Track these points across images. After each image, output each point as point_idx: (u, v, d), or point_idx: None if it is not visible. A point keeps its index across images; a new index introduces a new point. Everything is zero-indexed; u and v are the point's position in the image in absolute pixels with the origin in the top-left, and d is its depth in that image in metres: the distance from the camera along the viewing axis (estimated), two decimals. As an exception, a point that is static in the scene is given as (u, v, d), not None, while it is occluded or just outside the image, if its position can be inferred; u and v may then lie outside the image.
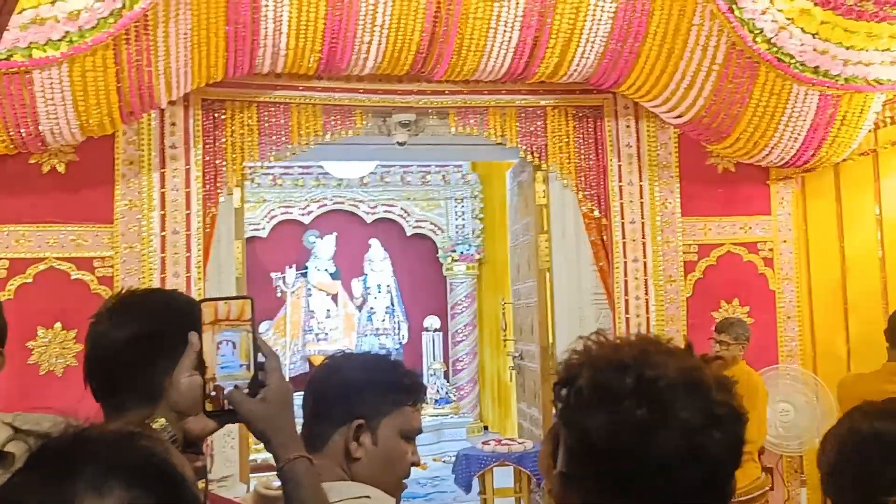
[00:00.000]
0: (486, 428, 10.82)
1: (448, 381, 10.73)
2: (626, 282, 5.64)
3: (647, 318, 5.64)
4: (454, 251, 11.05)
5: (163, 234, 5.05)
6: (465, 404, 10.83)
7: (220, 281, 5.60)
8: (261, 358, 1.28)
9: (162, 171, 5.07)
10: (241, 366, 1.28)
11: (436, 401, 10.15)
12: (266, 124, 5.28)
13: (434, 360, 10.59)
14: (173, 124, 5.09)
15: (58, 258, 4.91)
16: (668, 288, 5.72)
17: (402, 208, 11.09)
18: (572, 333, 6.04)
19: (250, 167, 5.56)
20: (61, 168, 4.92)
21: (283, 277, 10.12)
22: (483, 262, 11.13)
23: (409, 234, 11.10)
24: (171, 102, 5.01)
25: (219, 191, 5.17)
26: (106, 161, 4.99)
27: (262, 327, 10.31)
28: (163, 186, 5.06)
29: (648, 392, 0.92)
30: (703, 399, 0.93)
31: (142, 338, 1.32)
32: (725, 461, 0.92)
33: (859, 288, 5.35)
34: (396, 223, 11.09)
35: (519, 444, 6.37)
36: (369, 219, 10.97)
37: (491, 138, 5.66)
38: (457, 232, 11.16)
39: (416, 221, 11.13)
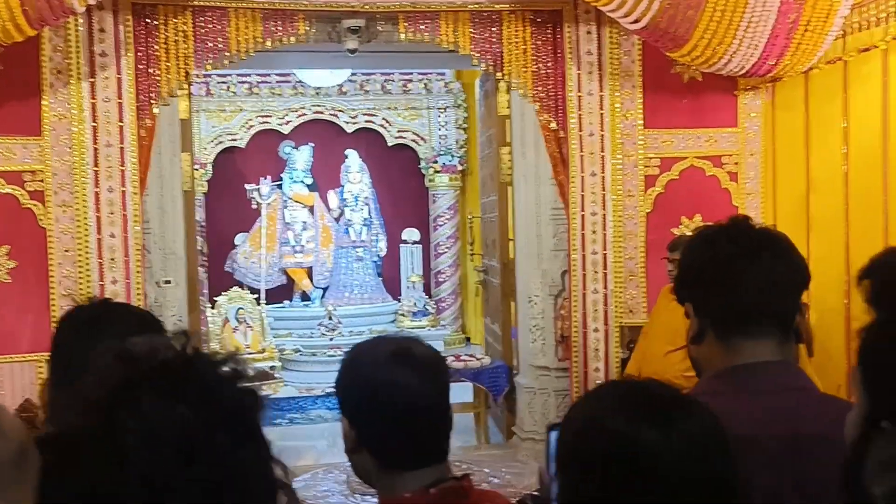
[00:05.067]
0: (468, 340, 10.82)
1: (429, 295, 10.68)
2: (582, 196, 5.44)
3: (604, 235, 5.46)
4: (436, 162, 10.83)
5: (95, 146, 4.87)
6: (447, 316, 10.81)
7: (162, 195, 5.46)
8: None
9: (92, 80, 4.84)
10: None
11: (413, 313, 10.12)
12: (202, 31, 5.02)
13: (412, 272, 10.50)
14: (102, 30, 4.84)
15: (-14, 171, 4.77)
16: (626, 203, 5.52)
17: (383, 118, 10.82)
18: (530, 251, 5.91)
19: (207, 76, 5.34)
20: (-16, 77, 4.71)
21: (259, 189, 9.96)
22: (466, 174, 10.92)
23: (390, 144, 10.87)
24: (99, 7, 4.75)
25: (152, 102, 4.95)
26: (32, 70, 4.77)
27: (238, 240, 10.23)
28: (93, 97, 4.85)
29: None
30: None
31: None
32: None
33: (822, 205, 5.14)
34: (378, 134, 10.84)
35: (477, 360, 6.33)
36: (350, 129, 10.73)
37: (443, 45, 5.38)
38: (439, 142, 10.92)
39: (398, 132, 10.88)
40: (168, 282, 5.41)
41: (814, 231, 5.23)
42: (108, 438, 0.75)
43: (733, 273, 1.38)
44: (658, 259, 4.99)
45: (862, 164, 4.78)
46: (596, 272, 5.48)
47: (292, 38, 5.20)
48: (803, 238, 5.25)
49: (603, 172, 5.45)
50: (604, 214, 5.46)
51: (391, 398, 1.26)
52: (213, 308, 8.84)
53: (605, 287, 5.47)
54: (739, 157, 5.61)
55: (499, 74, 5.48)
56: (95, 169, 4.87)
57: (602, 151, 5.44)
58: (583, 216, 5.46)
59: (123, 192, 4.92)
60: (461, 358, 6.40)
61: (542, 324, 5.88)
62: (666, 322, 4.56)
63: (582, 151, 5.43)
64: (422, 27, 5.32)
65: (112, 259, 4.91)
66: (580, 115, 5.42)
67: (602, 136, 5.44)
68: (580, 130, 5.42)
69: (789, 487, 1.29)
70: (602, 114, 5.42)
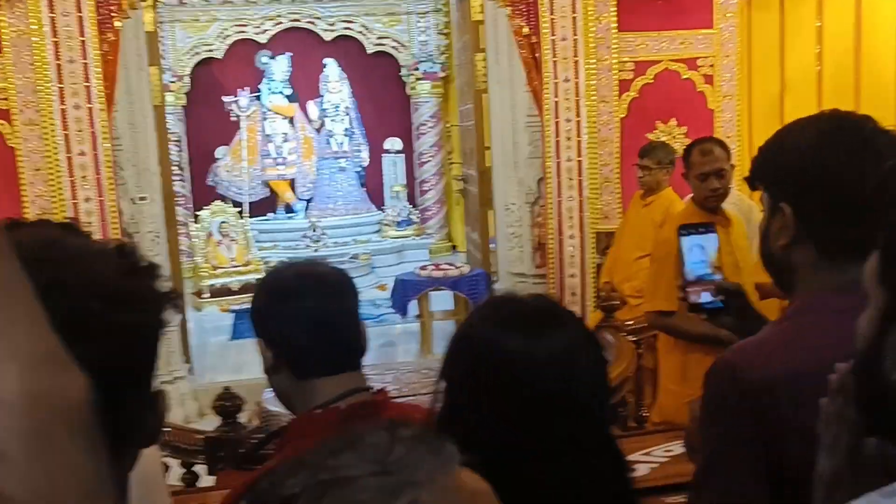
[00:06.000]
0: (454, 248, 10.89)
1: (414, 204, 10.69)
2: (556, 103, 5.39)
3: (579, 142, 5.44)
4: (417, 69, 10.67)
5: (58, 62, 4.77)
6: (432, 225, 10.85)
7: (132, 111, 5.40)
8: None
9: (49, -7, 4.72)
10: None
11: (397, 223, 10.16)
12: (161, -61, 4.86)
13: (396, 182, 10.49)
14: (57, -60, 4.69)
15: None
16: (601, 109, 5.48)
17: (362, 24, 10.59)
18: (506, 159, 5.90)
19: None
20: (-59, -7, 4.59)
21: (237, 101, 9.83)
22: (449, 81, 10.76)
23: (370, 52, 10.67)
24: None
25: (113, 15, 4.84)
26: (-13, -16, 4.64)
27: (219, 153, 10.16)
28: (52, 11, 4.73)
29: None
30: None
31: None
32: None
33: (796, 105, 5.12)
34: (356, 41, 10.63)
35: (456, 268, 6.39)
36: (328, 37, 10.51)
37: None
38: (420, 49, 10.72)
39: (378, 39, 10.66)
40: (143, 198, 5.40)
41: (787, 133, 5.23)
42: None
43: None
44: (632, 165, 5.00)
45: (835, 64, 4.76)
46: (571, 179, 5.48)
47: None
48: (777, 140, 5.25)
49: (577, 78, 5.39)
50: (578, 121, 5.43)
51: (297, 314, 1.32)
52: (196, 222, 8.86)
53: (580, 194, 5.48)
54: (715, 59, 5.54)
55: (468, -23, 5.35)
56: (60, 86, 4.79)
57: (575, 56, 5.37)
58: (557, 123, 5.42)
59: (90, 108, 4.86)
60: (440, 267, 6.47)
61: (519, 231, 5.92)
62: (636, 228, 4.61)
63: (555, 57, 5.35)
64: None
65: (83, 177, 4.89)
66: (552, 19, 5.31)
67: (575, 40, 5.35)
68: (553, 35, 5.33)
69: None
70: (574, 17, 5.32)
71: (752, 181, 1.36)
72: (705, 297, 1.46)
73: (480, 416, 0.97)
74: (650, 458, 2.25)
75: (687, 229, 1.51)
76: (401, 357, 6.79)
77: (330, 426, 1.30)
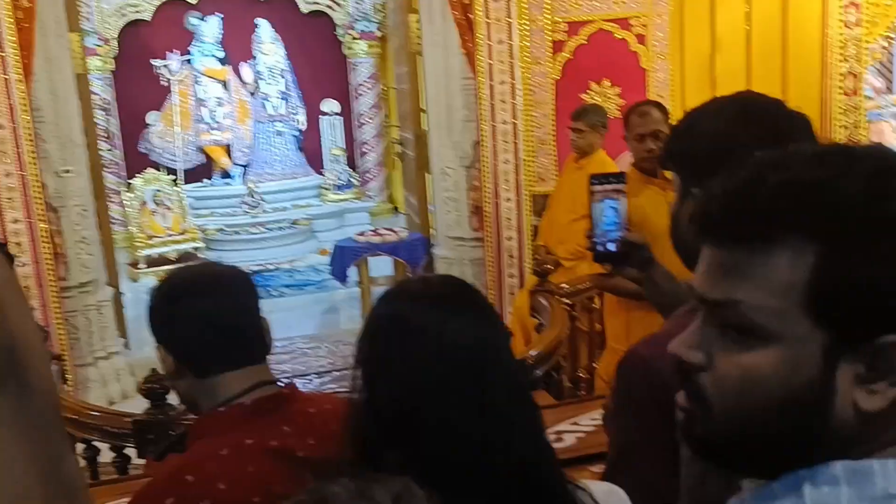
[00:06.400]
0: (396, 210, 10.84)
1: (354, 167, 10.58)
2: (490, 66, 5.35)
3: (513, 104, 5.42)
4: (353, 29, 10.49)
5: (-31, 32, 4.57)
6: (373, 188, 10.77)
7: (52, 80, 5.19)
8: None
9: (-46, -42, 4.49)
10: None
11: (337, 187, 10.06)
12: None
13: (334, 145, 10.35)
14: None
15: None
16: (535, 70, 5.46)
17: (295, -17, 10.34)
18: (441, 122, 5.85)
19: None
20: None
21: (167, 65, 9.55)
22: (385, 40, 10.60)
23: (304, 11, 10.44)
24: None
25: (26, -20, 4.63)
26: None
27: (151, 119, 9.89)
28: (-42, -23, 4.51)
29: None
30: None
31: None
32: None
33: (726, 65, 5.18)
34: (290, 0, 10.38)
35: (394, 233, 6.36)
36: (260, -5, 10.24)
37: None
38: (355, 8, 10.53)
39: (312, -3, 10.43)
40: (68, 171, 5.23)
41: (718, 90, 5.28)
42: None
43: None
44: (567, 127, 5.00)
45: (763, 23, 4.80)
46: (506, 142, 5.47)
47: None
48: (709, 97, 5.30)
49: (510, 40, 5.35)
50: (512, 83, 5.40)
51: (191, 313, 1.31)
52: (129, 191, 8.65)
53: (516, 157, 5.48)
54: (648, 19, 5.54)
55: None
56: (-27, 56, 4.59)
57: (508, 17, 5.32)
58: (491, 86, 5.39)
59: (6, 79, 4.67)
60: (379, 232, 6.44)
61: (455, 195, 5.90)
62: (570, 191, 4.63)
63: (488, 18, 5.30)
64: None
65: (3, 152, 4.72)
66: (485, -21, 5.25)
67: (508, 1, 5.30)
68: (485, -5, 5.27)
69: None
70: (507, -23, 5.27)
71: (664, 163, 1.36)
72: (611, 248, 1.51)
73: (393, 393, 0.99)
74: (577, 428, 2.28)
75: (598, 178, 1.53)
76: (344, 324, 6.77)
77: (235, 423, 1.29)
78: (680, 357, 0.74)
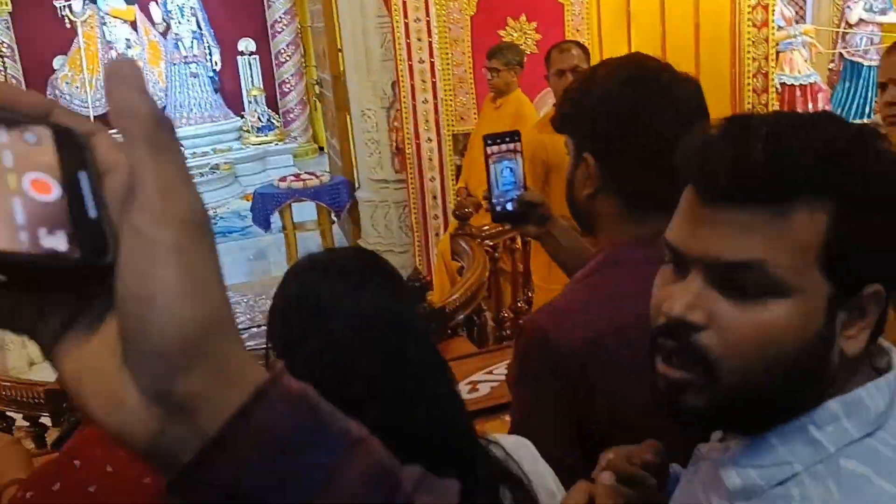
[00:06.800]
0: (321, 149, 10.65)
1: (275, 108, 10.32)
2: (404, 3, 5.23)
3: (430, 42, 5.33)
4: (266, -38, 10.12)
5: None
6: (296, 128, 10.55)
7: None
8: None
9: None
10: None
11: (258, 129, 9.83)
12: None
13: (253, 85, 10.07)
14: None
15: None
16: (450, 7, 5.36)
17: (201, -87, 9.88)
18: (358, 62, 5.74)
19: None
20: None
21: (69, 5, 9.07)
22: (302, -27, 10.28)
23: (214, -56, 10.02)
24: None
25: None
26: None
27: (57, 63, 9.45)
28: None
29: None
30: None
31: None
32: None
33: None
34: (198, -68, 9.93)
35: (316, 178, 6.27)
36: (165, -72, 9.77)
37: None
38: (268, -60, 10.14)
39: (220, -71, 9.99)
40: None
41: (633, 26, 5.29)
42: None
43: None
44: (483, 66, 4.95)
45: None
46: (424, 81, 5.39)
47: None
48: (624, 32, 5.33)
49: (424, -25, 5.23)
50: (427, 20, 5.30)
51: None
52: (37, 141, 8.29)
53: (435, 96, 5.42)
54: (563, -50, 5.48)
55: None
56: None
57: (421, -48, 5.19)
58: (406, 24, 5.28)
59: None
60: (301, 177, 6.33)
61: (376, 137, 5.83)
62: (488, 131, 4.61)
63: (400, -47, 5.16)
64: None
65: None
66: (396, -87, 5.10)
67: (420, -65, 5.17)
68: (396, -71, 5.13)
69: None
70: None
71: (558, 126, 1.36)
72: (510, 208, 1.53)
73: (312, 369, 0.97)
74: (492, 377, 2.32)
75: (493, 139, 1.53)
76: (274, 270, 6.68)
77: None
78: (678, 317, 0.74)
